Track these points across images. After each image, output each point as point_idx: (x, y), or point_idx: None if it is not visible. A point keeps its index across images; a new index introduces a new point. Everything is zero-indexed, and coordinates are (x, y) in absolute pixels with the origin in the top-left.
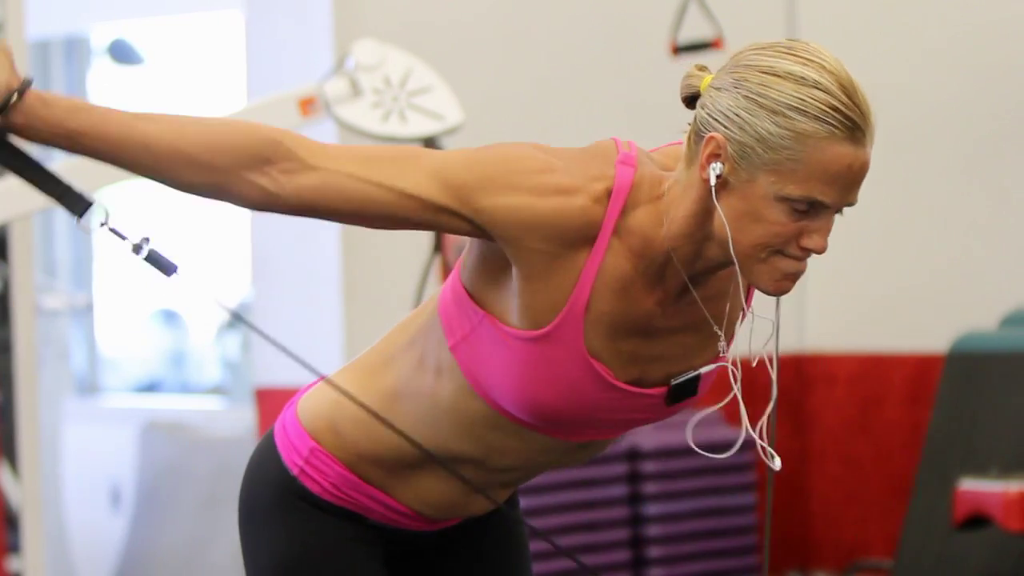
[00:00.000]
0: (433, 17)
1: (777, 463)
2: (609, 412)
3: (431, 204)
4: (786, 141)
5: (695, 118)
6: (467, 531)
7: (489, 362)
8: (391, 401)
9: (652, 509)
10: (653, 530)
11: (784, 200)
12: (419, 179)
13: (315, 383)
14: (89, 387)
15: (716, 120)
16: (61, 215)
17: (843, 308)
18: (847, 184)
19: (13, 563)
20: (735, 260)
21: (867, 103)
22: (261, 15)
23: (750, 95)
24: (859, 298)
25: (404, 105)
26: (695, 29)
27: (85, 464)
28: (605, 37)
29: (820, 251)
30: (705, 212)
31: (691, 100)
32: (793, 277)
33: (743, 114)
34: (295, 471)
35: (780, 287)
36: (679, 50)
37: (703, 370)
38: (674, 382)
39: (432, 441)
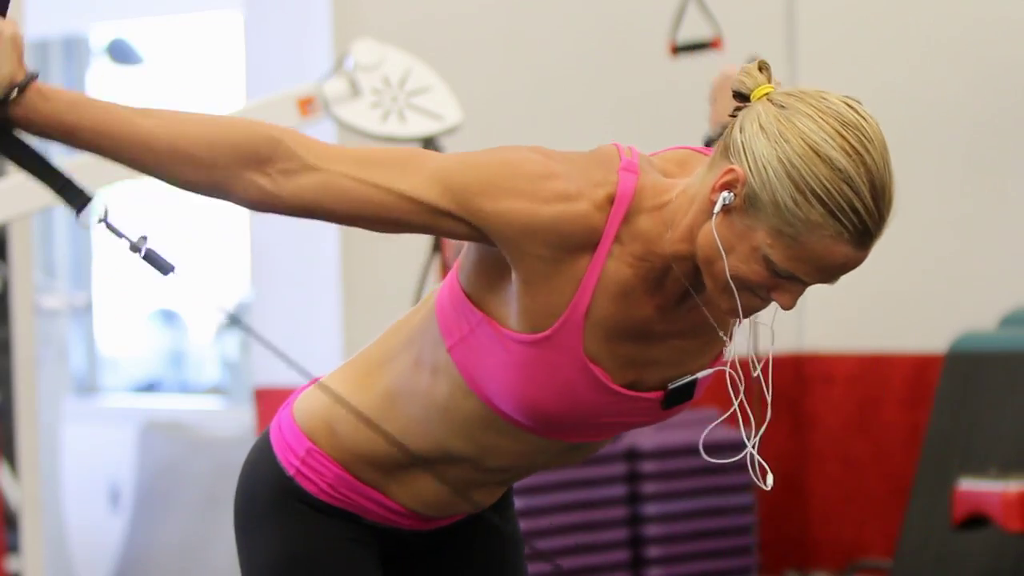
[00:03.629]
0: (432, 17)
1: (770, 480)
2: (605, 415)
3: (431, 207)
4: (796, 220)
5: (730, 132)
6: (460, 531)
7: (487, 364)
8: (387, 401)
9: (651, 509)
10: (652, 530)
11: (769, 262)
12: (419, 182)
13: (311, 383)
14: (88, 387)
15: (746, 156)
16: (60, 215)
17: (842, 308)
18: (832, 275)
19: (12, 563)
20: (705, 277)
21: (890, 207)
22: (260, 15)
23: (784, 159)
24: (858, 298)
25: (403, 105)
26: (694, 29)
27: (84, 464)
28: (604, 37)
29: (786, 309)
30: (699, 228)
31: (738, 96)
32: (751, 312)
33: (770, 172)
34: (291, 472)
35: (735, 314)
36: (678, 50)
37: (700, 375)
38: (671, 386)
39: (428, 440)
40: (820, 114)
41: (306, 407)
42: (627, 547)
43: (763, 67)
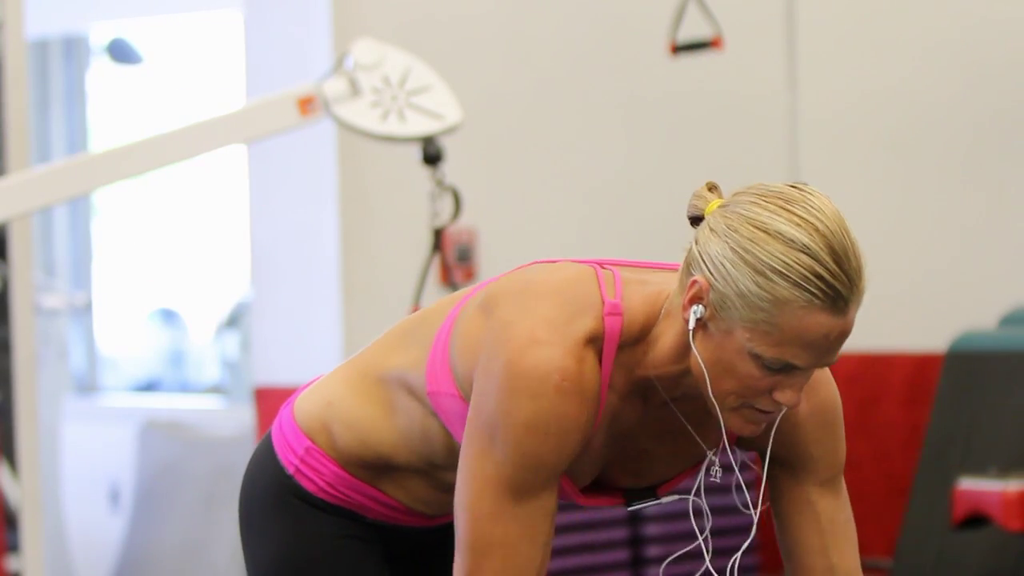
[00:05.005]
0: (432, 16)
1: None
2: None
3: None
4: (764, 303)
5: (689, 250)
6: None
7: (460, 429)
8: (387, 411)
9: (651, 509)
10: (652, 529)
11: (758, 358)
12: (545, 508)
13: (312, 382)
14: (88, 386)
15: (704, 263)
16: (60, 215)
17: None
18: (823, 351)
19: (12, 562)
20: (709, 401)
21: (858, 269)
22: (260, 14)
23: (737, 248)
24: None
25: (403, 104)
26: (694, 28)
27: (84, 463)
28: (604, 36)
29: (792, 406)
30: (685, 347)
31: (694, 221)
32: (764, 421)
33: (728, 265)
34: (291, 470)
35: (750, 431)
36: (678, 49)
37: (664, 500)
38: (633, 506)
39: (413, 453)
40: (762, 198)
41: (306, 406)
42: (627, 547)
43: (712, 187)
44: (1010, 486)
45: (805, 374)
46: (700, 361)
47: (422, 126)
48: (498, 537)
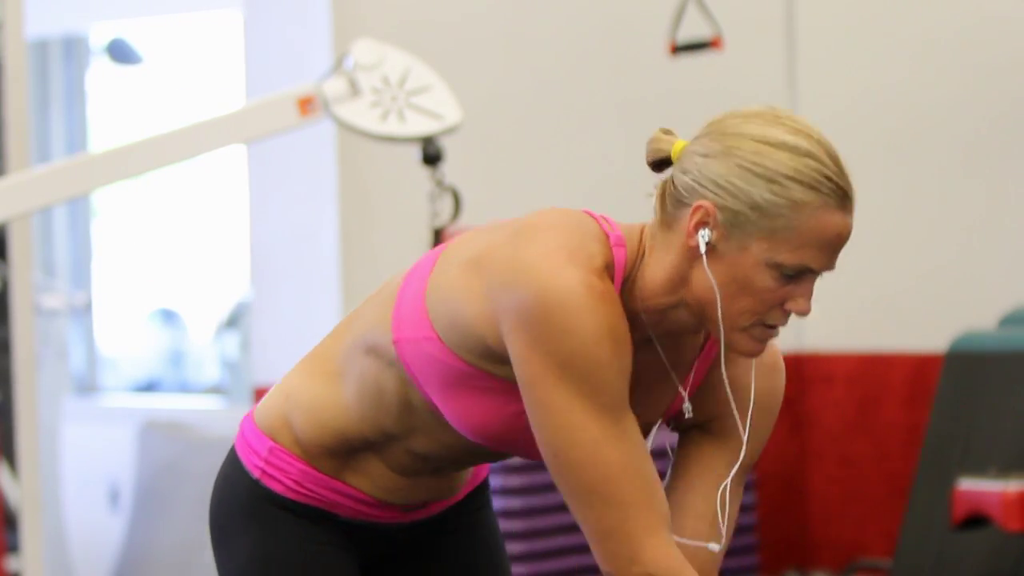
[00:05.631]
0: (432, 16)
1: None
2: None
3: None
4: (782, 209)
5: (674, 183)
6: (435, 529)
7: (431, 373)
8: (338, 382)
9: None
10: None
11: (776, 267)
12: (629, 422)
13: (271, 390)
14: (88, 386)
15: (705, 187)
16: (60, 215)
17: (841, 308)
18: (834, 250)
19: (12, 563)
20: (720, 325)
21: (849, 173)
22: (260, 14)
23: (744, 164)
24: (858, 298)
25: (403, 104)
26: (694, 28)
27: (84, 463)
28: (604, 37)
29: (805, 314)
30: (680, 279)
31: (659, 164)
32: (770, 338)
33: (737, 182)
34: (256, 473)
35: (757, 350)
36: (678, 49)
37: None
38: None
39: (365, 421)
40: (748, 119)
41: (265, 408)
42: None
43: (667, 132)
44: (1010, 486)
45: (813, 280)
46: (713, 283)
47: (422, 126)
48: (624, 457)
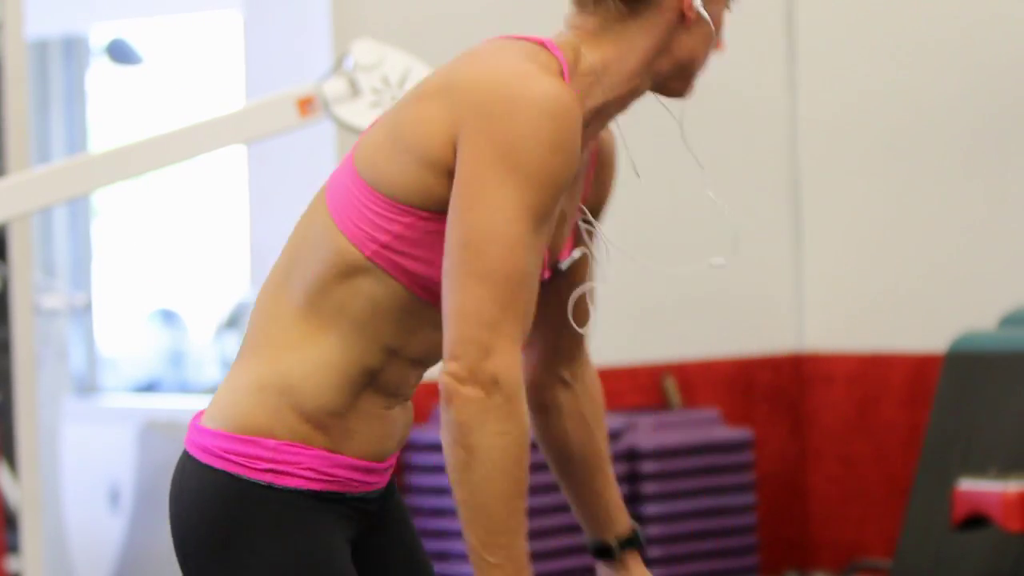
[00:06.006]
0: (432, 16)
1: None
2: None
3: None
4: None
5: None
6: (386, 496)
7: (422, 255)
8: (314, 338)
9: (651, 509)
10: (652, 530)
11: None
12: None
13: (196, 417)
14: (88, 387)
15: None
16: (60, 215)
17: (841, 308)
18: None
19: (12, 563)
20: (679, 82)
21: None
22: (260, 15)
23: None
24: (858, 298)
25: None
26: None
27: (84, 464)
28: None
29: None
30: (656, 55)
31: None
32: None
33: None
34: (265, 477)
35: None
36: None
37: (573, 256)
38: (562, 265)
39: (372, 341)
40: None
41: (241, 414)
42: None
43: None
44: (1010, 486)
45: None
46: (712, 29)
47: None
48: (528, 267)
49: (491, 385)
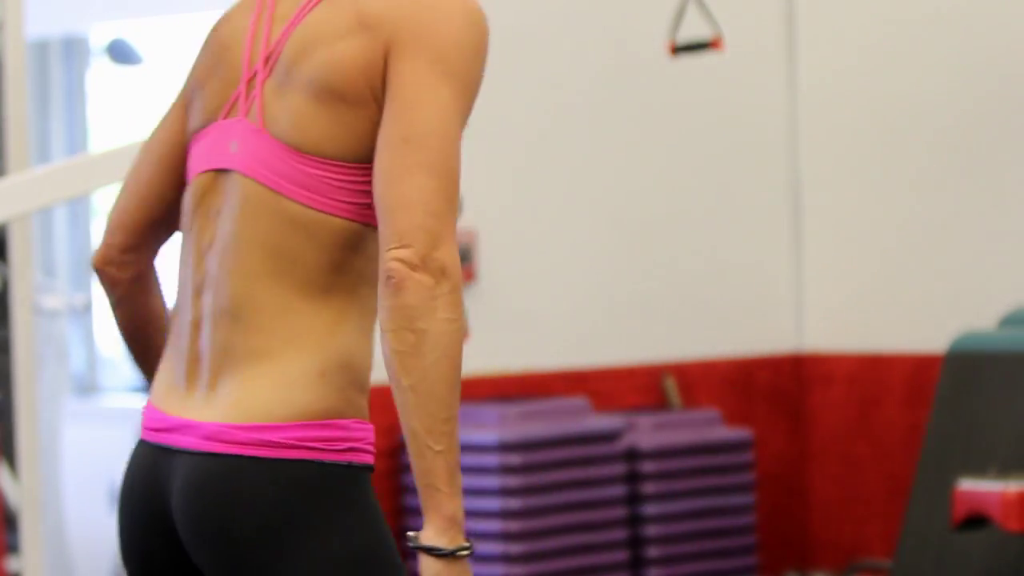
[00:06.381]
0: None
1: None
2: None
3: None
4: None
5: None
6: None
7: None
8: (347, 308)
9: (651, 509)
10: (652, 530)
11: None
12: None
13: (224, 426)
14: (88, 387)
15: None
16: (61, 215)
17: (842, 308)
18: None
19: (12, 563)
20: None
21: None
22: None
23: None
24: (858, 298)
25: None
26: (694, 29)
27: (84, 464)
28: (604, 37)
29: None
30: None
31: None
32: None
33: None
34: (345, 457)
35: None
36: (678, 50)
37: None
38: None
39: (370, 284)
40: None
41: (311, 399)
42: (627, 547)
43: None
44: (1010, 486)
45: None
46: None
47: None
48: (457, 164)
49: (440, 274)
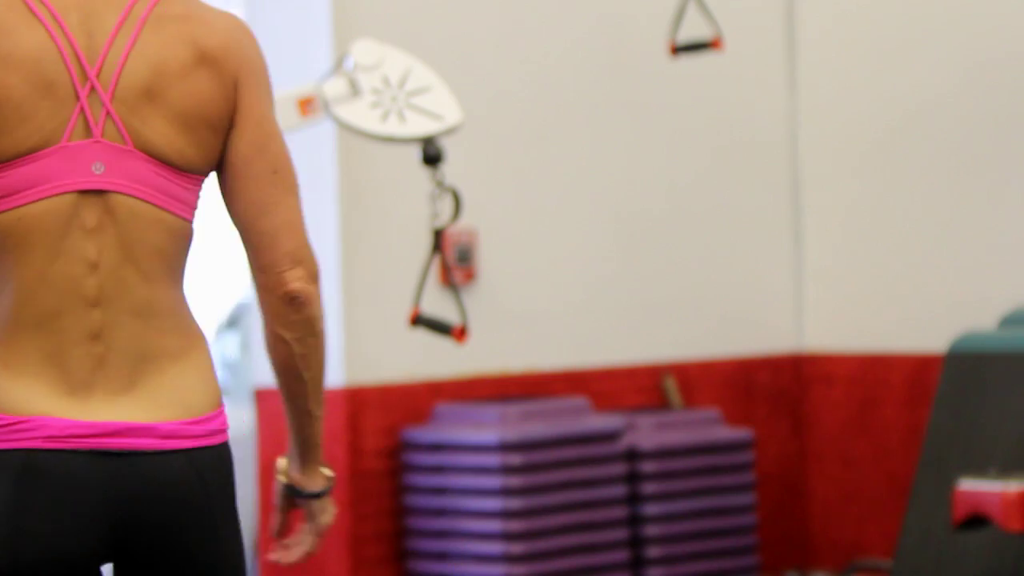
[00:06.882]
0: (432, 17)
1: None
2: None
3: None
4: None
5: None
6: None
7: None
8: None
9: (651, 509)
10: (652, 530)
11: None
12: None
13: (209, 418)
14: None
15: None
16: None
17: (842, 308)
18: None
19: None
20: None
21: None
22: (260, 14)
23: None
24: (858, 298)
25: (403, 105)
26: (694, 29)
27: None
28: (604, 37)
29: None
30: None
31: None
32: None
33: None
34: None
35: None
36: (678, 50)
37: None
38: None
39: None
40: None
41: (216, 386)
42: (627, 547)
43: None
44: (1010, 486)
45: None
46: None
47: (422, 127)
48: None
49: (317, 279)
